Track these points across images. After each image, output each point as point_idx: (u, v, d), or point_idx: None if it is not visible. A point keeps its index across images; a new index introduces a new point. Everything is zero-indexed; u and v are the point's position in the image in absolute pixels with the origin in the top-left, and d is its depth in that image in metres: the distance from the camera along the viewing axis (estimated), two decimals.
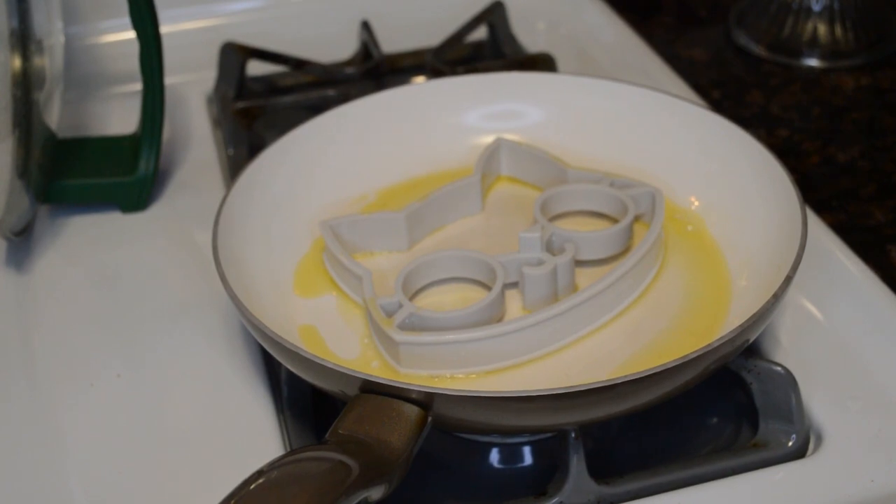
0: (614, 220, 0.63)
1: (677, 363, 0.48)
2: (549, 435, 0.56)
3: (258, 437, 0.57)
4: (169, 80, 0.74)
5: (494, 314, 0.57)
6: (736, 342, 0.51)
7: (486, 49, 0.89)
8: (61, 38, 0.79)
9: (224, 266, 0.56)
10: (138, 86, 0.72)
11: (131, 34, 0.71)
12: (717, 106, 0.83)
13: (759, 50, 0.90)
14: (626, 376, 0.48)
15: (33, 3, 0.71)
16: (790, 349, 0.60)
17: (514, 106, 0.71)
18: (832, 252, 0.66)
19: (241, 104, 0.80)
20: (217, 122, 0.82)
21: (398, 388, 0.48)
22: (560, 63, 0.83)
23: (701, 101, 0.81)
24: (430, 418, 0.48)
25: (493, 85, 0.72)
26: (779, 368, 0.55)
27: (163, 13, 0.72)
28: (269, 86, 0.86)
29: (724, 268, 0.61)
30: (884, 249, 0.68)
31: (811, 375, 0.57)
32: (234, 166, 0.76)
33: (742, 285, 0.59)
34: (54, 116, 0.75)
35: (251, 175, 0.64)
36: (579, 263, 0.61)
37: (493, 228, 0.66)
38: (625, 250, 0.62)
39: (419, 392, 0.48)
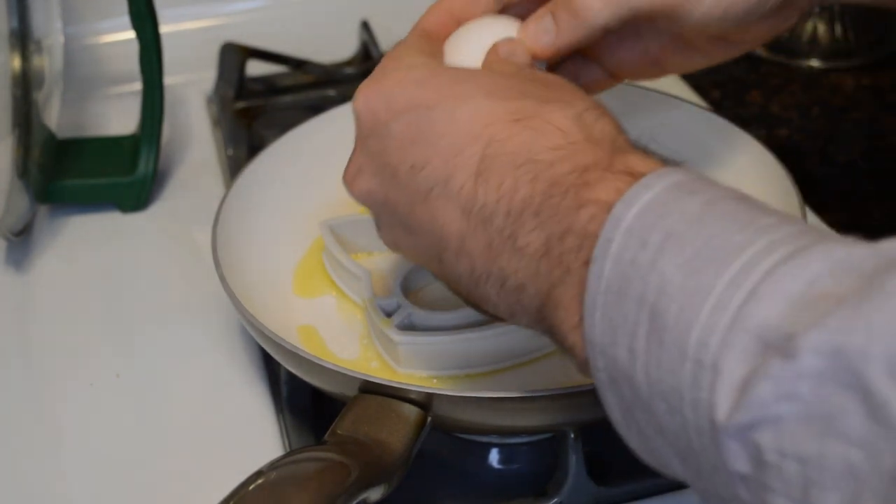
0: None
1: None
2: (548, 435, 0.56)
3: (258, 437, 0.57)
4: (169, 80, 0.74)
5: None
6: None
7: None
8: (61, 38, 0.79)
9: (223, 266, 0.56)
10: (138, 86, 0.72)
11: (131, 34, 0.71)
12: (717, 106, 0.83)
13: (758, 50, 0.90)
14: None
15: (33, 4, 0.71)
16: None
17: None
18: None
19: (240, 104, 0.80)
20: (217, 122, 0.82)
21: (397, 388, 0.48)
22: None
23: (701, 101, 0.81)
24: (429, 419, 0.48)
25: None
26: None
27: (163, 13, 0.72)
28: (268, 86, 0.86)
29: None
30: None
31: None
32: (234, 166, 0.75)
33: None
34: (54, 116, 0.75)
35: (251, 175, 0.64)
36: None
37: None
38: None
39: (418, 392, 0.48)
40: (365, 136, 0.45)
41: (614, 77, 0.54)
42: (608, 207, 0.36)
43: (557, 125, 0.40)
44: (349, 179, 0.46)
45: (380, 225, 0.47)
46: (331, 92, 0.81)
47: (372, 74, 0.46)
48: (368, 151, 0.45)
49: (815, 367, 0.29)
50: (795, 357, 0.30)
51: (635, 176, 0.37)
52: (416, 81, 0.44)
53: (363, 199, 0.46)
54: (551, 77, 0.46)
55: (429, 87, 0.43)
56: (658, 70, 0.54)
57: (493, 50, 0.48)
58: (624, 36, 0.51)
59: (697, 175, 0.36)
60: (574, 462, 0.51)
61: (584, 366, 0.38)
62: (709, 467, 0.33)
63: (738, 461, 0.31)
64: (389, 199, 0.44)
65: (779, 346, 0.30)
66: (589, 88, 0.53)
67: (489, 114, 0.42)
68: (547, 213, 0.38)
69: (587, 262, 0.36)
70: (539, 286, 0.39)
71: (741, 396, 0.31)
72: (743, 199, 0.35)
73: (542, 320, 0.40)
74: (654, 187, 0.35)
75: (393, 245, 0.47)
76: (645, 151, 0.40)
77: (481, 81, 0.44)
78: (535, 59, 0.49)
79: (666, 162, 0.39)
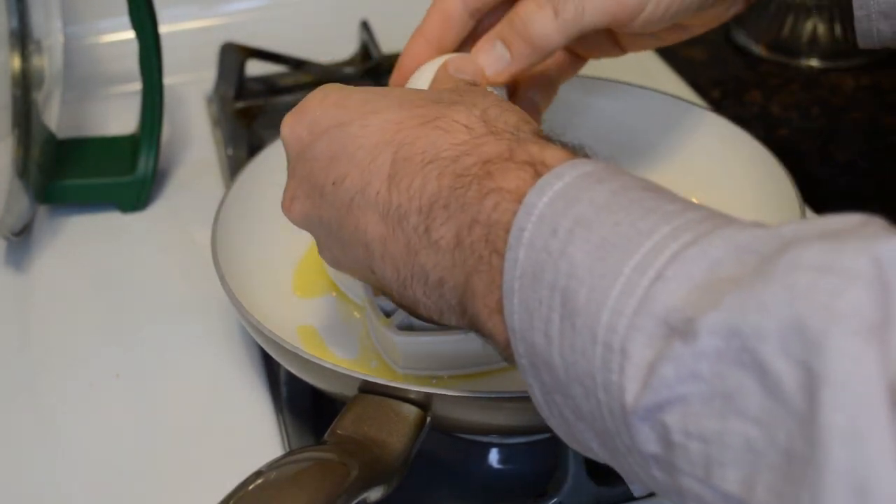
0: None
1: None
2: (548, 435, 0.56)
3: (258, 437, 0.57)
4: (168, 80, 0.74)
5: None
6: None
7: None
8: (60, 38, 0.79)
9: (223, 266, 0.56)
10: (138, 86, 0.72)
11: (131, 34, 0.71)
12: (717, 106, 0.83)
13: (758, 49, 0.90)
14: None
15: (32, 3, 0.71)
16: None
17: None
18: None
19: (240, 104, 0.80)
20: (216, 122, 0.82)
21: (397, 388, 0.48)
22: None
23: (701, 101, 0.81)
24: (429, 419, 0.48)
25: None
26: None
27: (163, 13, 0.72)
28: (268, 86, 0.86)
29: None
30: None
31: None
32: (234, 166, 0.75)
33: None
34: (53, 116, 0.75)
35: (251, 175, 0.64)
36: None
37: None
38: None
39: (418, 393, 0.48)
40: (294, 162, 0.47)
41: (580, 58, 0.58)
42: (510, 196, 0.38)
43: (463, 123, 0.42)
44: (286, 207, 0.48)
45: (320, 246, 0.48)
46: None
47: (296, 106, 0.47)
48: (298, 176, 0.47)
49: (713, 348, 0.30)
50: (695, 338, 0.30)
51: (535, 165, 0.38)
52: (333, 104, 0.46)
53: (301, 223, 0.48)
54: (467, 86, 0.49)
55: (345, 106, 0.45)
56: (618, 51, 0.58)
57: (443, 67, 0.51)
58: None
59: (605, 165, 0.38)
60: (574, 462, 0.51)
61: (506, 352, 0.39)
62: (624, 449, 0.34)
63: (649, 443, 0.32)
64: (323, 218, 0.46)
65: (681, 328, 0.31)
66: (557, 70, 0.57)
67: (398, 121, 0.43)
68: (454, 206, 0.40)
69: (496, 250, 0.38)
70: (456, 278, 0.40)
71: (648, 378, 0.32)
72: (648, 187, 0.36)
73: (465, 313, 0.41)
74: (565, 177, 0.37)
75: (335, 263, 0.48)
76: (549, 140, 0.42)
77: (394, 95, 0.46)
78: (492, 86, 0.52)
79: (566, 148, 0.40)
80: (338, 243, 0.46)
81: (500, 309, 0.38)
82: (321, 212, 0.46)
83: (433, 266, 0.41)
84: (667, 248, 0.33)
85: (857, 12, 0.52)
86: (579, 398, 0.35)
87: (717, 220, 0.34)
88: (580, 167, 0.37)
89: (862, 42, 0.54)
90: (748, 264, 0.31)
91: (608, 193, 0.36)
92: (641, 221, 0.34)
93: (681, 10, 0.52)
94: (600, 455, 0.37)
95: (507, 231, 0.37)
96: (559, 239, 0.35)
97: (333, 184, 0.44)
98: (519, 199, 0.37)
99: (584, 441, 0.37)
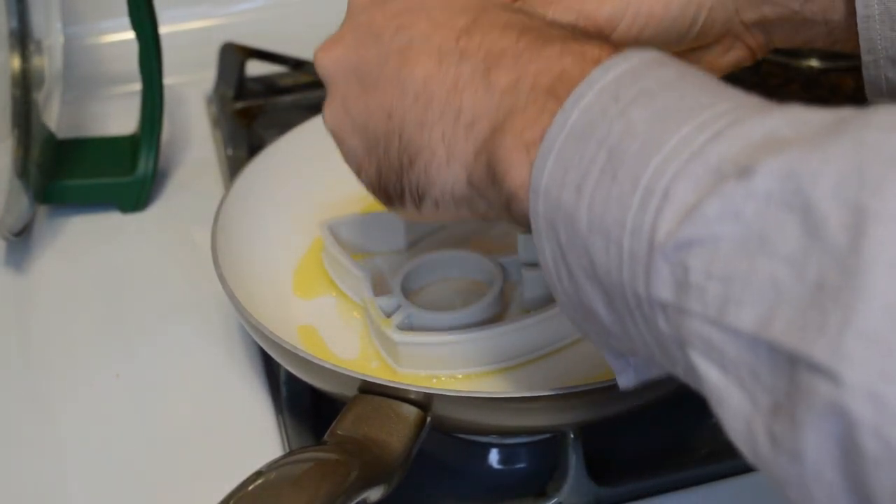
0: None
1: None
2: (548, 435, 0.56)
3: (257, 438, 0.57)
4: (168, 80, 0.74)
5: (494, 314, 0.57)
6: None
7: None
8: (60, 39, 0.79)
9: (223, 266, 0.56)
10: (138, 86, 0.72)
11: (131, 34, 0.71)
12: None
13: None
14: None
15: (32, 4, 0.71)
16: None
17: None
18: None
19: (240, 104, 0.80)
20: (216, 122, 0.82)
21: (397, 388, 0.48)
22: None
23: None
24: (429, 419, 0.48)
25: None
26: None
27: (163, 13, 0.72)
28: (268, 86, 0.86)
29: None
30: None
31: None
32: (234, 166, 0.75)
33: None
34: (53, 116, 0.75)
35: (250, 175, 0.64)
36: None
37: (494, 229, 0.65)
38: None
39: (418, 393, 0.48)
40: (356, 13, 0.47)
41: None
42: (591, 62, 0.38)
43: (551, 24, 0.43)
44: (324, 48, 0.48)
45: (333, 97, 0.48)
46: None
47: None
48: (357, 23, 0.47)
49: (765, 188, 0.31)
50: (752, 178, 0.31)
51: (618, 49, 0.39)
52: None
53: (330, 66, 0.47)
54: None
55: None
56: None
57: None
58: None
59: (672, 56, 0.39)
60: (574, 462, 0.51)
61: (513, 199, 0.39)
62: (633, 302, 0.34)
63: (664, 287, 0.33)
64: (361, 60, 0.46)
65: (735, 173, 0.31)
66: None
67: (483, 3, 0.44)
68: (527, 57, 0.40)
69: (556, 96, 0.38)
70: (494, 118, 0.40)
71: (688, 213, 0.32)
72: (711, 76, 0.37)
73: (478, 157, 0.41)
74: (632, 59, 0.38)
75: (341, 118, 0.47)
76: None
77: None
78: None
79: None
80: (361, 90, 0.46)
81: (531, 146, 0.38)
82: (365, 55, 0.45)
83: (473, 105, 0.41)
84: (728, 115, 0.33)
85: (865, 57, 0.51)
86: (597, 252, 0.35)
87: (777, 104, 0.35)
88: (648, 53, 0.38)
89: (870, 92, 0.52)
90: (808, 130, 0.32)
91: (674, 75, 0.37)
92: (704, 97, 0.35)
93: (658, 33, 0.52)
94: (604, 318, 0.36)
95: (574, 87, 0.37)
96: (620, 103, 0.36)
97: (397, 28, 0.44)
98: (596, 65, 0.38)
99: (590, 304, 0.37)
